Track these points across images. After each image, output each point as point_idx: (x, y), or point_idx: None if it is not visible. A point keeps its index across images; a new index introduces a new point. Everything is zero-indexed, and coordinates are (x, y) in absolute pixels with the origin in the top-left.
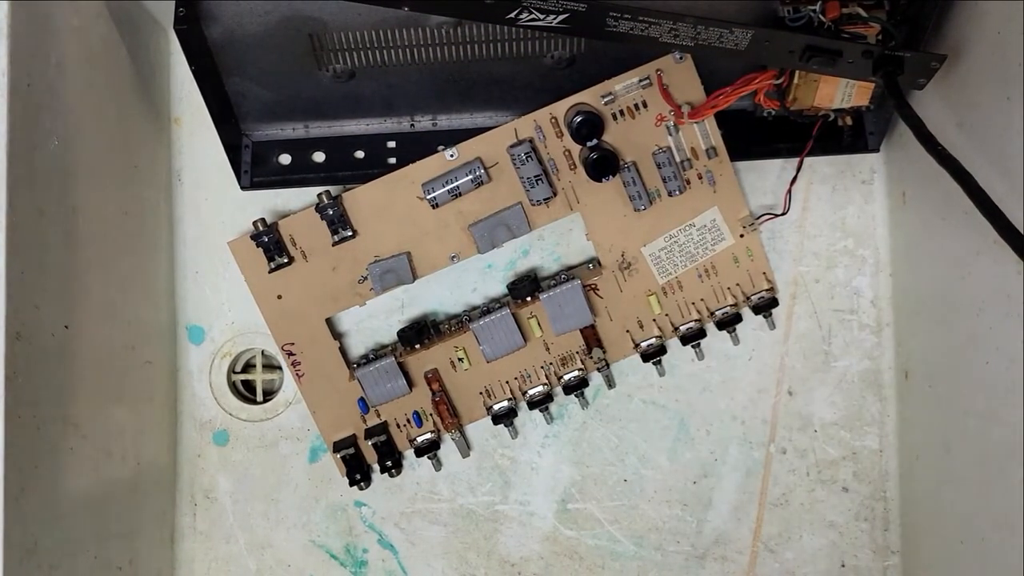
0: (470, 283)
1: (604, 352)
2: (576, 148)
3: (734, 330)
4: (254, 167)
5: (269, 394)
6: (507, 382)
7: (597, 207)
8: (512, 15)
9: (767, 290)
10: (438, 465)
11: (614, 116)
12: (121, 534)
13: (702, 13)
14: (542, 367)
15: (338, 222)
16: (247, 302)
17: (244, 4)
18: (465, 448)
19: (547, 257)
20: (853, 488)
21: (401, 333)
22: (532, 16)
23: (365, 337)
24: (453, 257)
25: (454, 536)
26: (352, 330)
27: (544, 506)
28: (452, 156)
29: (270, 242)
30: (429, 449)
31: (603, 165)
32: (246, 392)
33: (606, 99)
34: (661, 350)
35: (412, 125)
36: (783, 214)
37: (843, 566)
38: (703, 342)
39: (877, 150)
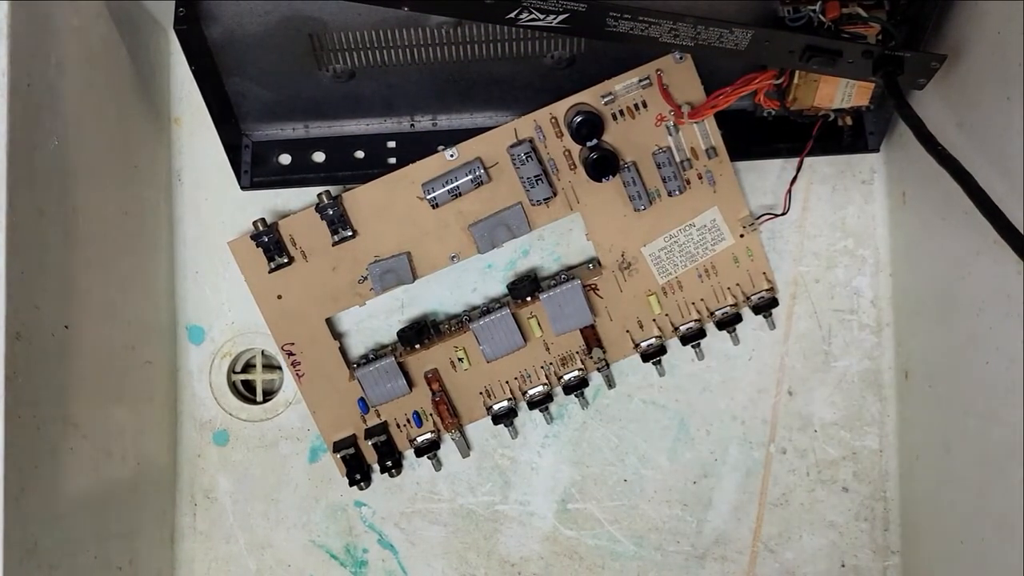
0: (470, 283)
1: (604, 352)
2: (576, 148)
3: (734, 330)
4: (254, 167)
5: (269, 394)
6: (507, 382)
7: (597, 207)
8: (512, 15)
9: (767, 290)
10: (438, 465)
11: (614, 116)
12: (121, 534)
13: (702, 13)
14: (542, 367)
15: (338, 222)
16: (247, 302)
17: (244, 4)
18: (465, 448)
19: (547, 257)
20: (853, 488)
21: (401, 333)
22: (532, 16)
23: (365, 337)
24: (453, 257)
25: (454, 536)
26: (352, 330)
27: (544, 506)
28: (452, 156)
29: (270, 242)
30: (429, 449)
31: (603, 165)
32: (246, 392)
33: (606, 99)
34: (661, 350)
35: (412, 125)
36: (783, 214)
37: (843, 566)
38: (703, 342)
39: (877, 150)
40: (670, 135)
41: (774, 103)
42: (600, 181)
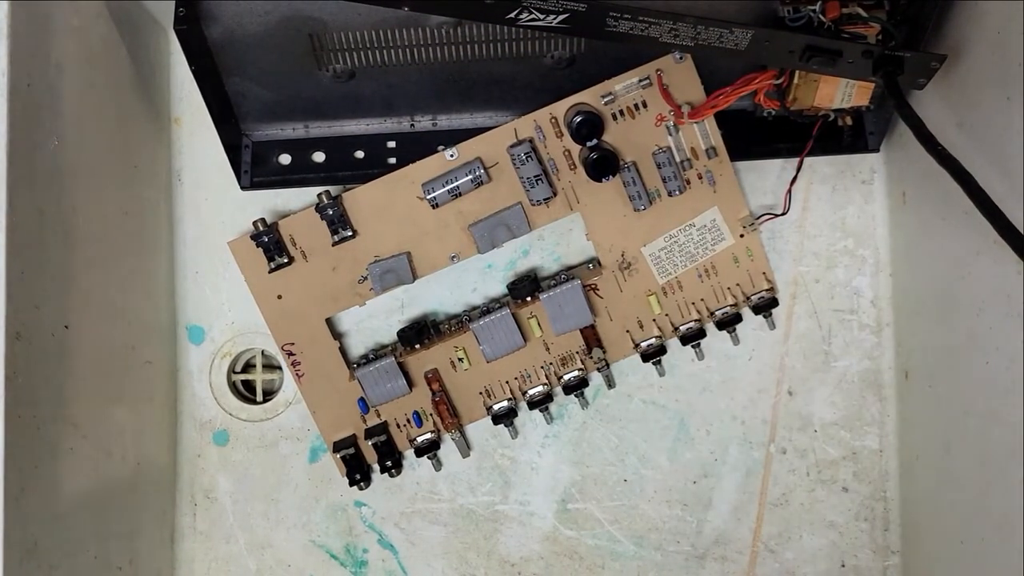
0: (470, 283)
1: (604, 352)
2: (576, 148)
3: (734, 330)
4: (254, 167)
5: (269, 394)
6: (507, 382)
7: (597, 207)
8: (512, 15)
9: (767, 290)
10: (438, 465)
11: (614, 116)
12: (121, 534)
13: (702, 13)
14: (542, 367)
15: (338, 222)
16: (247, 302)
17: (244, 4)
18: (465, 448)
19: (547, 257)
20: (853, 488)
21: (401, 333)
22: (532, 16)
23: (365, 337)
24: (453, 257)
25: (454, 536)
26: (352, 330)
27: (544, 506)
28: (452, 156)
29: (270, 242)
30: (429, 449)
31: (603, 165)
32: (246, 392)
33: (606, 99)
34: (661, 350)
35: (412, 125)
36: (783, 214)
37: (843, 566)
38: (703, 342)
39: (877, 150)
40: (670, 135)
41: (774, 103)
42: (600, 181)
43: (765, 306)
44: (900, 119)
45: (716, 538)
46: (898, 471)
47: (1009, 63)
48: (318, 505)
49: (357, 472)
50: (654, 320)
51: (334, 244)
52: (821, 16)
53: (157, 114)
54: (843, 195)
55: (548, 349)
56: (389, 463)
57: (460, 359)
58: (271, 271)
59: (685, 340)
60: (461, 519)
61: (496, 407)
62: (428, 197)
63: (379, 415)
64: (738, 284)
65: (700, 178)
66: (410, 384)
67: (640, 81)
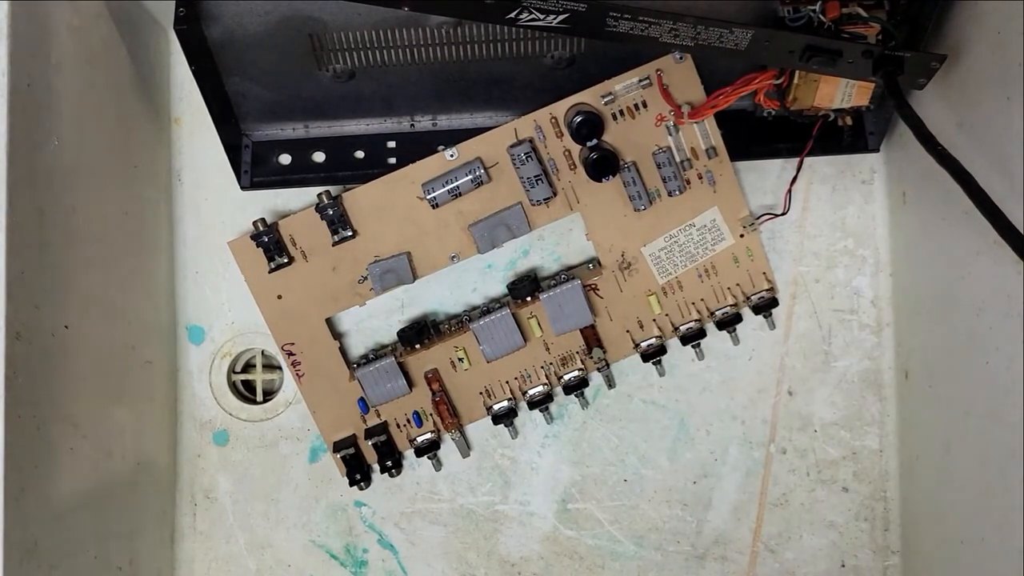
0: (470, 283)
1: (604, 352)
2: (576, 148)
3: (734, 330)
4: (254, 167)
5: (269, 394)
6: (507, 382)
7: (597, 207)
8: (512, 15)
9: (767, 290)
10: (438, 465)
11: (614, 116)
12: (121, 534)
13: (702, 13)
14: (542, 367)
15: (338, 222)
16: (247, 302)
17: (244, 4)
18: (465, 448)
19: (547, 257)
20: (853, 488)
21: (401, 333)
22: (532, 16)
23: (365, 337)
24: (453, 257)
25: (454, 536)
26: (352, 330)
27: (544, 506)
28: (452, 156)
29: (270, 242)
30: (429, 449)
31: (603, 165)
32: (246, 392)
33: (606, 99)
34: (661, 350)
35: (412, 125)
36: (783, 214)
37: (843, 566)
38: (703, 342)
39: (877, 150)
40: (670, 135)
41: (774, 103)
42: (600, 181)
43: (765, 306)
44: (900, 119)
45: (716, 538)
46: (898, 471)
47: (1009, 63)
48: (318, 505)
49: (357, 472)
50: (654, 320)
51: (334, 244)
52: (821, 16)
53: (157, 114)
54: (843, 195)
55: (548, 349)
56: (389, 463)
57: (460, 359)
58: (271, 271)
59: (685, 340)
60: (461, 519)
61: (496, 407)
62: (428, 197)
63: (379, 415)
64: (738, 284)
65: (700, 178)
66: (410, 384)
67: (640, 81)
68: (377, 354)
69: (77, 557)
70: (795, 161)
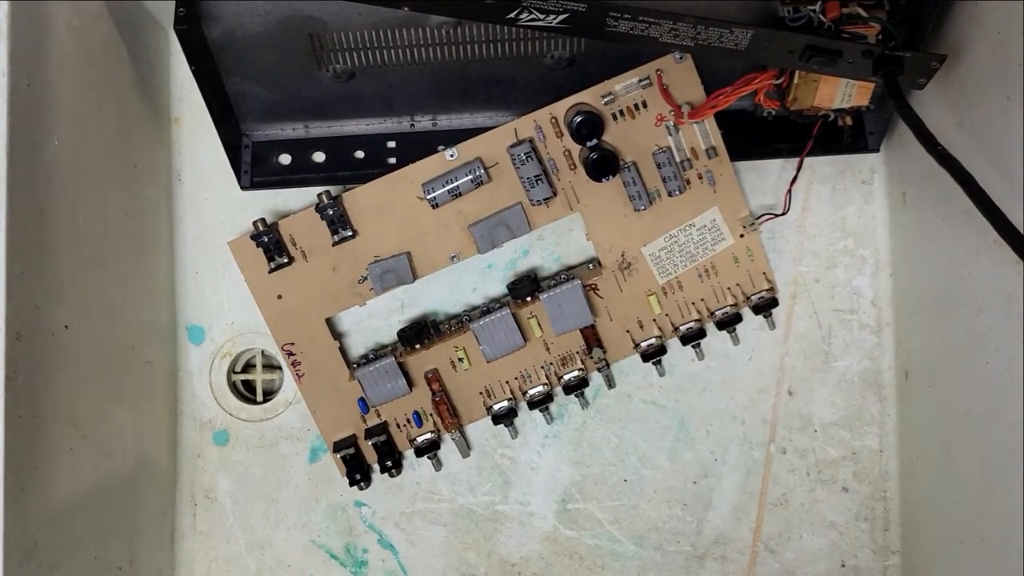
0: (470, 283)
1: (604, 352)
2: (576, 148)
3: (734, 330)
4: (254, 167)
5: (269, 394)
6: (507, 382)
7: (597, 207)
8: (512, 15)
9: (767, 290)
10: (438, 465)
11: (614, 116)
12: (121, 534)
13: (702, 13)
14: (542, 367)
15: (338, 222)
16: (247, 302)
17: (244, 4)
18: (465, 448)
19: (547, 257)
20: (853, 488)
21: (401, 333)
22: (532, 16)
23: (365, 337)
24: (453, 257)
25: (454, 536)
26: (352, 330)
27: (544, 506)
28: (452, 156)
29: (270, 242)
30: (429, 449)
31: (603, 165)
32: (246, 392)
33: (606, 99)
34: (661, 350)
35: (412, 125)
36: (783, 214)
37: (843, 566)
38: (703, 342)
39: (877, 150)
40: (670, 135)
41: (774, 103)
42: (600, 181)
43: (765, 306)
44: (900, 119)
45: (716, 538)
46: (898, 471)
47: (1009, 63)
48: (318, 505)
49: (357, 472)
50: (654, 320)
51: (334, 244)
52: (821, 16)
53: (157, 114)
54: (843, 195)
55: (548, 349)
56: (389, 463)
57: (460, 359)
58: (271, 271)
59: (685, 340)
60: (461, 519)
61: (496, 407)
62: (428, 197)
63: (379, 415)
64: (738, 284)
65: (700, 178)
66: (410, 384)
67: (640, 81)
68: (377, 354)
69: (77, 557)
70: (795, 161)
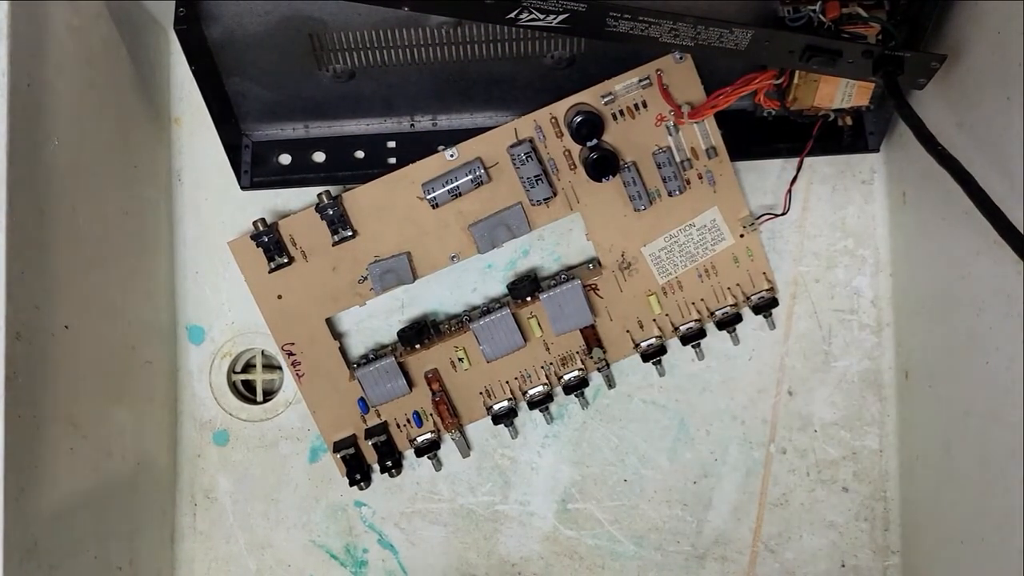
0: (470, 283)
1: (604, 352)
2: (576, 148)
3: (734, 330)
4: (254, 167)
5: (269, 394)
6: (507, 382)
7: (597, 207)
8: (512, 15)
9: (767, 290)
10: (438, 465)
11: (614, 116)
12: (121, 534)
13: (702, 13)
14: (542, 367)
15: (338, 222)
16: (247, 302)
17: (244, 4)
18: (465, 448)
19: (547, 257)
20: (853, 488)
21: (401, 333)
22: (532, 16)
23: (365, 337)
24: (453, 257)
25: (454, 536)
26: (352, 330)
27: (544, 506)
28: (452, 156)
29: (270, 242)
30: (429, 449)
31: (603, 165)
32: (246, 392)
33: (606, 99)
34: (661, 350)
35: (412, 125)
36: (783, 214)
37: (843, 566)
38: (703, 342)
39: (877, 150)
40: (670, 135)
41: (774, 103)
42: (600, 181)
43: (765, 306)
44: (900, 119)
45: (716, 538)
46: (898, 471)
47: (1009, 63)
48: (318, 505)
49: (357, 472)
50: (654, 320)
51: (334, 244)
52: (821, 16)
53: (157, 114)
54: (843, 195)
55: (548, 349)
56: (389, 463)
57: (460, 359)
58: (271, 271)
59: (685, 340)
60: (461, 519)
61: (496, 407)
62: (428, 197)
63: (379, 415)
64: (738, 284)
65: (700, 178)
66: (410, 384)
67: (640, 81)
68: (377, 354)
69: (77, 557)
70: (795, 161)
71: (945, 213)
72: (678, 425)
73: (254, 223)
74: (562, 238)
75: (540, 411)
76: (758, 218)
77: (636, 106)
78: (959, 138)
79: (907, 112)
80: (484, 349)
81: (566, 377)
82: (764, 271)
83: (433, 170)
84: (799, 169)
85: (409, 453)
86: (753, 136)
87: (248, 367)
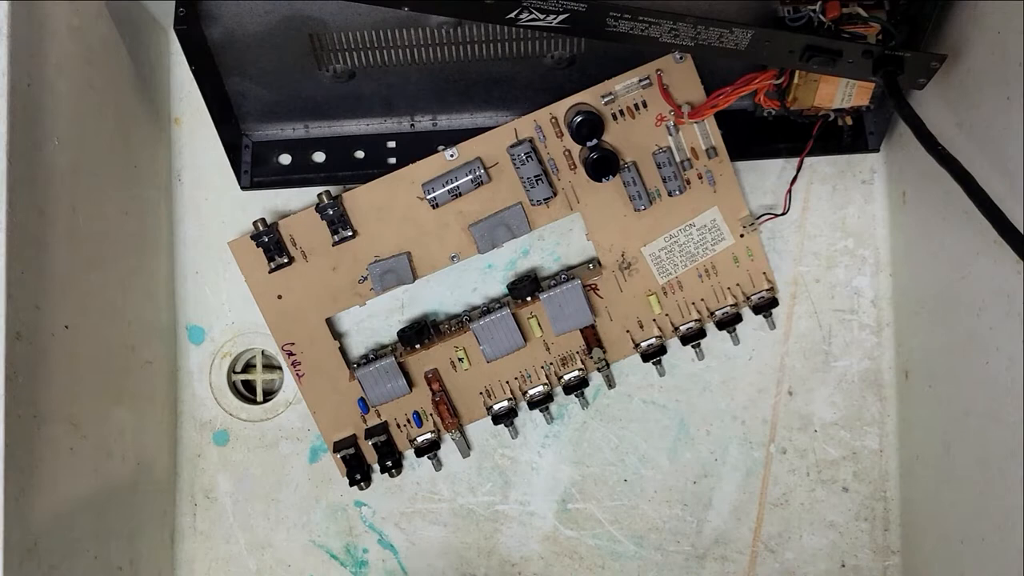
0: (470, 283)
1: (604, 352)
2: (576, 148)
3: (734, 330)
4: (254, 167)
5: (269, 394)
6: (507, 382)
7: (597, 207)
8: (512, 15)
9: (767, 290)
10: (438, 465)
11: (614, 116)
12: (121, 534)
13: (702, 13)
14: (542, 367)
15: (338, 222)
16: (247, 302)
17: (244, 4)
18: (465, 448)
19: (547, 257)
20: (853, 488)
21: (401, 333)
22: (532, 16)
23: (365, 337)
24: (453, 257)
25: (454, 536)
26: (352, 330)
27: (544, 506)
28: (452, 156)
29: (270, 242)
30: (429, 449)
31: (603, 165)
32: (246, 392)
33: (606, 99)
34: (661, 350)
35: (412, 125)
36: (783, 214)
37: (843, 566)
38: (703, 342)
39: (877, 150)
40: (670, 135)
41: (774, 103)
42: (600, 181)
43: (765, 306)
44: (900, 119)
45: (716, 538)
46: (898, 471)
47: (1009, 63)
48: (318, 505)
49: (357, 472)
50: (654, 320)
51: (334, 244)
52: (821, 16)
53: (157, 114)
54: (843, 195)
55: (548, 349)
56: (389, 463)
57: (460, 359)
58: (271, 271)
59: (685, 340)
60: (461, 519)
61: (496, 407)
62: (428, 197)
63: (379, 415)
64: (738, 284)
65: (700, 178)
66: (410, 384)
67: (640, 81)
68: (377, 354)
69: (77, 557)
70: (795, 161)
71: (945, 213)
72: (678, 425)
73: (254, 223)
74: (562, 238)
75: (540, 411)
76: (758, 218)
77: (636, 106)
78: (959, 138)
79: (907, 112)
80: (484, 349)
81: (566, 377)
82: (764, 271)
83: (433, 170)
84: (799, 169)
85: (409, 453)
86: (753, 136)
87: (248, 367)
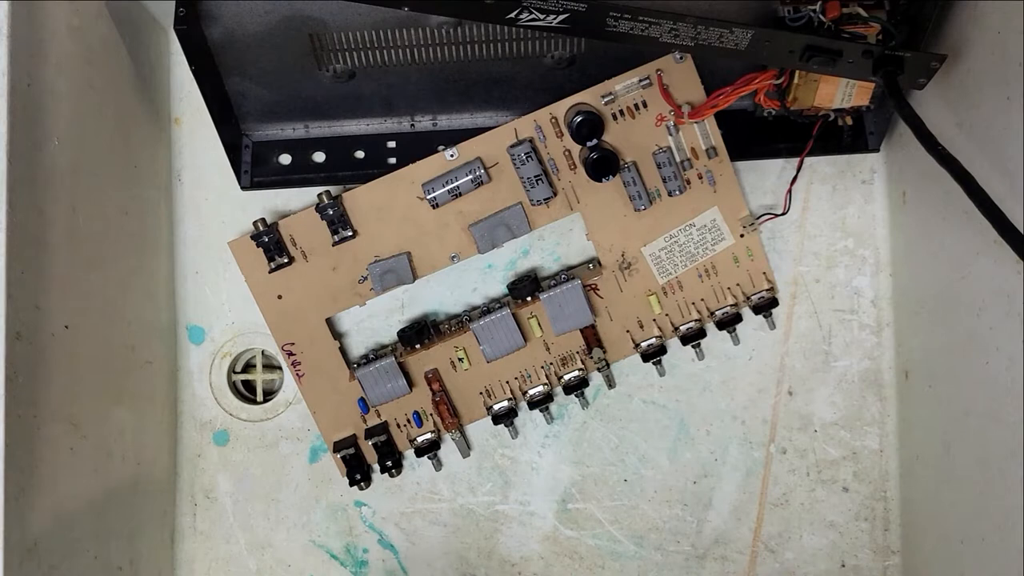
0: (470, 283)
1: (604, 352)
2: (576, 148)
3: (734, 330)
4: (254, 167)
5: (269, 394)
6: (507, 382)
7: (597, 207)
8: (512, 15)
9: (767, 290)
10: (438, 465)
11: (614, 116)
12: (121, 534)
13: (702, 13)
14: (542, 367)
15: (338, 222)
16: (247, 302)
17: (244, 4)
18: (465, 448)
19: (547, 257)
20: (853, 488)
21: (401, 333)
22: (532, 16)
23: (365, 337)
24: (453, 257)
25: (454, 536)
26: (352, 330)
27: (544, 506)
28: (452, 156)
29: (270, 242)
30: (429, 449)
31: (603, 165)
32: (246, 392)
33: (606, 99)
34: (661, 350)
35: (412, 125)
36: (783, 214)
37: (843, 566)
38: (703, 342)
39: (877, 150)
40: (670, 135)
41: (774, 103)
42: (600, 181)
43: (765, 306)
44: (900, 119)
45: (716, 538)
46: (898, 471)
47: (1009, 63)
48: (318, 505)
49: (357, 472)
50: (654, 320)
51: (334, 244)
52: (821, 16)
53: (157, 114)
54: (843, 195)
55: (548, 349)
56: (389, 463)
57: (460, 359)
58: (271, 271)
59: (685, 340)
60: (461, 519)
61: (496, 407)
62: (428, 197)
63: (379, 415)
64: (738, 284)
65: (700, 178)
66: (410, 384)
67: (640, 81)
68: (377, 354)
69: (77, 557)
70: (795, 161)
71: (945, 213)
72: (678, 425)
73: (254, 223)
74: (562, 238)
75: (540, 411)
76: (758, 218)
77: (636, 106)
78: (959, 138)
79: (907, 112)
80: (484, 349)
81: (566, 377)
82: (764, 271)
83: (433, 170)
84: (799, 169)
85: (409, 453)
86: (753, 136)
87: (248, 367)
